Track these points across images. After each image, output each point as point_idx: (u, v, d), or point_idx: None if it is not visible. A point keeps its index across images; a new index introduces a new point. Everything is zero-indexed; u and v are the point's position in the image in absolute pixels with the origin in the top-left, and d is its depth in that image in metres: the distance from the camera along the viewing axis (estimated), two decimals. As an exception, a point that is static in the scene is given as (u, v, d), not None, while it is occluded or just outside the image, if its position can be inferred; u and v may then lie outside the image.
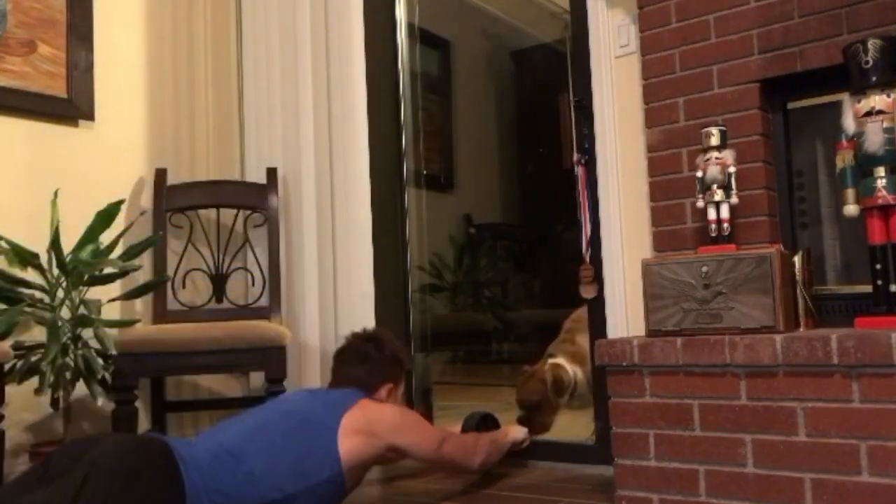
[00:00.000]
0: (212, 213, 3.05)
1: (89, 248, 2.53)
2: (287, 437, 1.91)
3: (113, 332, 2.41)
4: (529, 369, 2.84)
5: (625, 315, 2.38)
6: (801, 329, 1.89)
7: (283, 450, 1.88)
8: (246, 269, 3.03)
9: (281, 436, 1.91)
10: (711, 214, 1.99)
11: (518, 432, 2.52)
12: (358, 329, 2.41)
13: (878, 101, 1.78)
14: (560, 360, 2.83)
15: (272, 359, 2.51)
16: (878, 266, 1.80)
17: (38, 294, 2.46)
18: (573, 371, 2.82)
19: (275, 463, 1.85)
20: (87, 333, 2.40)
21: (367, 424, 2.01)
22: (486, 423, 2.57)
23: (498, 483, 2.38)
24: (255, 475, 1.81)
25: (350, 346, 2.28)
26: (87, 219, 2.56)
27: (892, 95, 1.77)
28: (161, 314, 2.81)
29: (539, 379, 2.78)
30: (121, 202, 2.64)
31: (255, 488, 1.80)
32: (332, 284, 2.98)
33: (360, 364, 2.21)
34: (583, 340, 2.78)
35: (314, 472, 1.89)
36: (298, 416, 2.00)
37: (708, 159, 2.00)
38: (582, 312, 2.74)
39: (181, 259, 2.93)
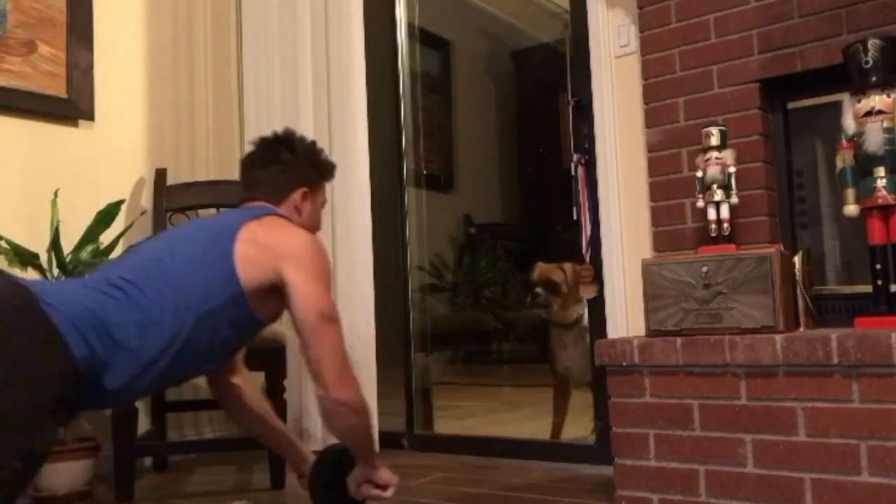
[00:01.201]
0: (212, 213, 3.04)
1: (89, 248, 2.53)
2: (181, 259, 1.71)
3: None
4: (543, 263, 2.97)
5: (625, 315, 2.38)
6: (801, 329, 1.89)
7: (179, 273, 1.68)
8: (246, 269, 3.03)
9: (174, 259, 1.71)
10: (711, 214, 1.99)
11: (389, 474, 1.92)
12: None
13: (878, 101, 1.78)
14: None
15: (272, 359, 2.51)
16: (878, 266, 1.80)
17: (38, 294, 2.46)
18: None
19: (174, 286, 1.66)
20: (87, 333, 2.40)
21: (267, 238, 1.77)
22: (343, 455, 1.95)
23: (498, 483, 2.38)
24: (146, 308, 1.63)
25: (258, 149, 2.03)
26: (87, 219, 2.56)
27: (892, 95, 1.77)
28: (161, 314, 2.81)
29: (559, 267, 2.88)
30: (121, 202, 2.64)
31: (147, 323, 1.62)
32: (332, 284, 2.98)
33: (269, 164, 1.97)
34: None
35: (216, 291, 1.69)
36: (197, 234, 1.82)
37: (708, 159, 2.00)
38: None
39: (181, 259, 2.93)
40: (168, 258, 1.72)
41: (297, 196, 1.94)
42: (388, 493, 1.91)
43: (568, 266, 2.89)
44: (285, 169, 1.95)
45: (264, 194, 1.94)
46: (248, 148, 2.07)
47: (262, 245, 1.75)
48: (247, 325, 1.78)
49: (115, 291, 1.64)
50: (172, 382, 2.02)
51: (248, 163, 2.03)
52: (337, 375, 1.74)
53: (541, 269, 2.97)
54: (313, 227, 1.99)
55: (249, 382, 2.12)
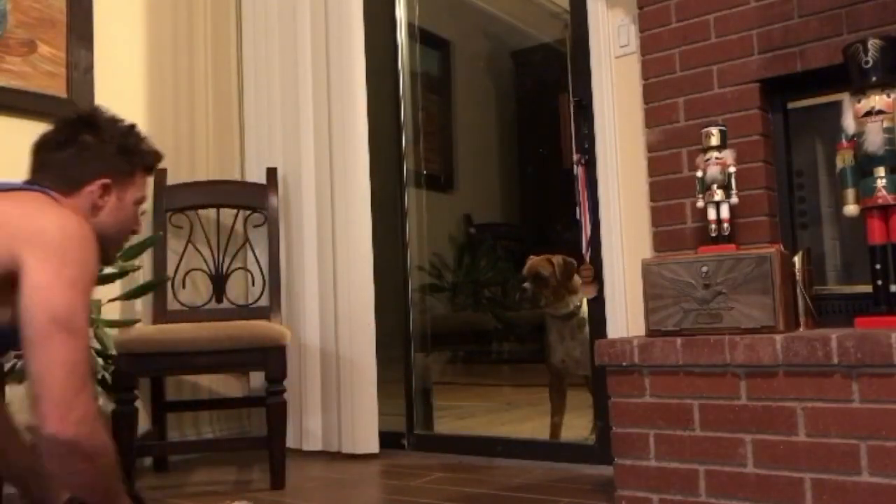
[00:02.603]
0: (212, 213, 3.05)
1: (89, 248, 2.53)
2: None
3: (113, 332, 2.41)
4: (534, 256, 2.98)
5: (625, 315, 2.38)
6: (801, 329, 1.89)
7: None
8: (246, 269, 3.03)
9: None
10: (711, 214, 1.99)
11: None
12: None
13: (878, 101, 1.78)
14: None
15: (272, 359, 2.51)
16: (878, 266, 1.80)
17: (38, 294, 2.45)
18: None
19: None
20: (87, 333, 2.40)
21: (11, 208, 1.40)
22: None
23: (498, 483, 2.38)
24: None
25: (56, 127, 1.65)
26: (87, 219, 2.56)
27: (892, 95, 1.77)
28: (161, 314, 2.81)
29: (547, 259, 2.88)
30: (121, 202, 2.63)
31: None
32: (332, 284, 2.98)
33: (65, 147, 1.58)
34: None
35: None
36: None
37: (708, 159, 2.00)
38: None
39: (181, 259, 2.93)
40: None
41: (94, 188, 1.56)
42: None
43: (557, 258, 2.90)
44: (82, 154, 1.57)
45: (52, 182, 1.55)
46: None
47: (2, 219, 1.37)
48: None
49: None
50: None
51: (40, 144, 1.63)
52: (58, 403, 1.30)
53: (530, 262, 2.98)
54: (120, 229, 1.64)
55: None
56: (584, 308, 2.73)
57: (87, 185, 1.57)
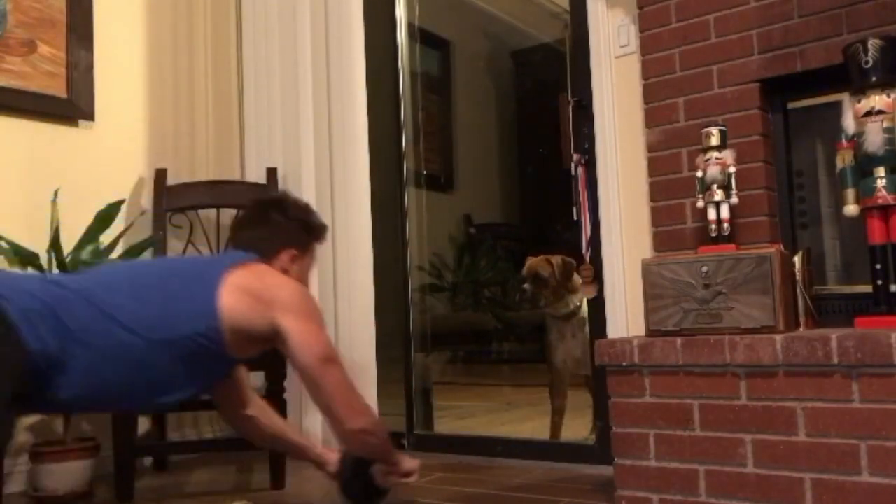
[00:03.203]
0: (212, 213, 3.05)
1: (89, 248, 2.53)
2: (161, 280, 1.73)
3: None
4: (533, 257, 2.97)
5: (625, 315, 2.38)
6: (801, 329, 1.89)
7: (155, 290, 1.69)
8: (246, 269, 3.03)
9: (155, 279, 1.73)
10: (711, 214, 1.99)
11: (410, 462, 2.08)
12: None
13: (878, 101, 1.78)
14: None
15: (272, 359, 2.50)
16: (878, 266, 1.80)
17: (38, 294, 2.46)
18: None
19: (141, 301, 1.65)
20: (87, 333, 2.40)
21: (258, 287, 1.77)
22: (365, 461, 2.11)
23: (498, 483, 2.38)
24: (114, 308, 1.61)
25: (250, 210, 2.05)
26: (87, 219, 2.56)
27: (892, 95, 1.77)
28: (161, 314, 2.81)
29: (546, 260, 2.89)
30: (121, 202, 2.64)
31: (110, 321, 1.60)
32: (332, 284, 2.98)
33: (259, 226, 1.97)
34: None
35: (185, 323, 1.69)
36: (175, 265, 1.85)
37: (708, 159, 2.00)
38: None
39: (181, 259, 2.93)
40: (151, 278, 1.73)
41: (285, 258, 1.96)
42: (413, 478, 2.06)
43: (556, 258, 2.90)
44: (275, 231, 1.97)
45: (255, 252, 1.92)
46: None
47: (255, 296, 1.77)
48: (216, 360, 1.76)
49: (70, 293, 1.61)
50: (133, 404, 1.98)
51: (239, 223, 2.05)
52: (349, 409, 1.83)
53: (529, 263, 2.98)
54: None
55: (262, 409, 2.18)
56: (585, 307, 2.73)
57: (280, 255, 1.95)
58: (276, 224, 1.98)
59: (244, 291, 1.75)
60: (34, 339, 1.52)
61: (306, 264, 2.03)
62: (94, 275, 1.74)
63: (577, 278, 2.82)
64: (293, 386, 2.91)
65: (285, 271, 1.95)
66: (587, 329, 2.68)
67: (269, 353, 2.50)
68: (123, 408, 1.99)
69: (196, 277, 1.76)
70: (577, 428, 2.89)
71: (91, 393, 1.63)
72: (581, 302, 2.82)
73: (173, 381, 1.75)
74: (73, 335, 1.57)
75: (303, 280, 2.01)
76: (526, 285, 2.92)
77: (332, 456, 2.13)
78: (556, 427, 2.89)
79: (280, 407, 2.48)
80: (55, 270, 2.45)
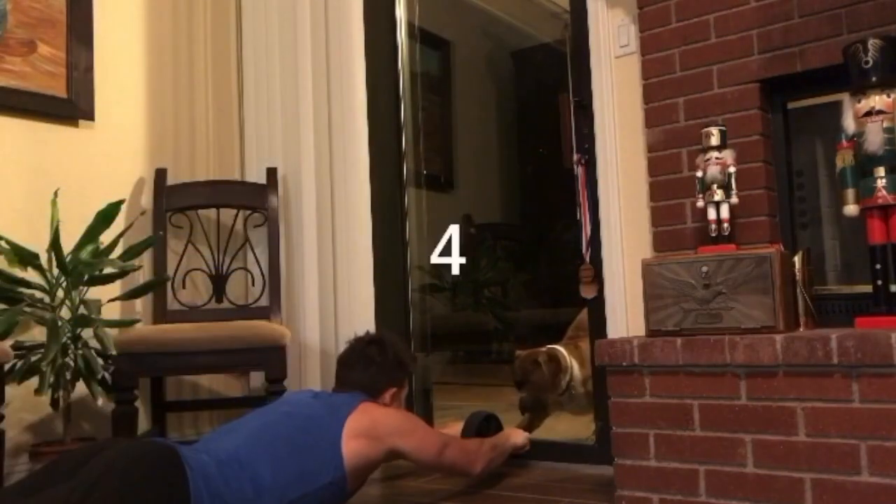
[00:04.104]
0: (212, 213, 3.05)
1: (89, 248, 2.53)
2: (290, 442, 1.91)
3: (113, 332, 2.40)
4: (523, 353, 2.89)
5: (625, 315, 2.38)
6: (801, 329, 1.89)
7: (288, 456, 1.88)
8: (246, 269, 3.03)
9: (284, 441, 1.91)
10: (711, 214, 1.99)
11: (519, 437, 2.51)
12: (359, 331, 2.40)
13: (878, 101, 1.78)
14: (557, 347, 2.87)
15: (272, 359, 2.51)
16: (878, 266, 1.80)
17: (38, 294, 2.46)
18: (570, 360, 2.84)
19: (279, 470, 1.85)
20: (87, 333, 2.40)
21: (371, 428, 2.01)
22: (488, 423, 2.55)
23: (498, 483, 2.38)
24: (260, 484, 1.81)
25: (353, 350, 2.27)
26: (87, 219, 2.56)
27: (892, 95, 1.77)
28: (161, 314, 2.81)
29: (532, 360, 2.82)
30: (121, 202, 2.64)
31: (260, 497, 1.80)
32: (332, 284, 2.98)
33: (364, 369, 2.20)
34: (585, 345, 2.79)
35: (317, 476, 1.89)
36: (301, 418, 1.99)
37: (708, 159, 2.00)
38: (584, 317, 2.75)
39: (181, 259, 2.93)
40: (283, 446, 1.90)
41: (387, 397, 2.20)
42: (527, 447, 2.53)
43: (542, 356, 2.82)
44: (378, 371, 2.20)
45: (357, 391, 2.16)
46: (343, 346, 2.34)
47: (371, 437, 2.01)
48: (338, 498, 1.98)
49: (233, 472, 1.81)
50: None
51: (344, 363, 2.27)
52: (468, 465, 2.21)
53: (519, 366, 2.89)
54: None
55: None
56: (576, 374, 2.81)
57: (384, 393, 2.19)
58: (378, 365, 2.21)
59: (360, 435, 1.99)
60: None
61: (401, 398, 2.29)
62: (237, 447, 1.87)
63: (563, 363, 2.82)
64: (293, 386, 2.92)
65: (386, 405, 2.19)
66: (581, 390, 2.81)
67: (269, 352, 2.52)
68: None
69: (321, 430, 1.97)
70: (578, 428, 2.89)
71: None
72: (570, 377, 2.83)
73: None
74: None
75: (400, 407, 2.29)
76: (523, 395, 2.89)
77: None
78: (531, 424, 2.89)
79: (280, 407, 2.48)
80: (55, 271, 2.46)
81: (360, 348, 2.26)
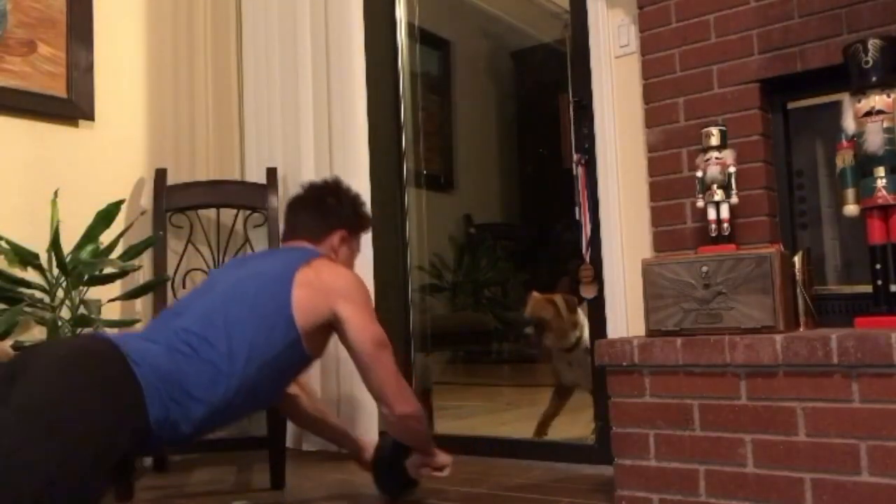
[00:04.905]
0: (212, 213, 3.05)
1: (89, 248, 2.53)
2: (240, 315, 1.83)
3: (113, 332, 2.40)
4: (539, 294, 2.98)
5: (625, 315, 2.38)
6: (801, 329, 1.89)
7: (240, 330, 1.81)
8: (246, 269, 3.03)
9: (238, 310, 1.84)
10: (711, 214, 1.99)
11: (444, 455, 2.19)
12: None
13: (878, 101, 1.78)
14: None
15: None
16: (878, 266, 1.80)
17: (38, 294, 2.46)
18: (584, 318, 2.85)
19: (235, 343, 1.79)
20: (87, 333, 2.41)
21: (316, 279, 1.92)
22: (400, 445, 2.16)
23: (498, 483, 2.38)
24: (217, 363, 1.75)
25: (305, 193, 2.20)
26: (87, 219, 2.56)
27: (892, 95, 1.77)
28: (161, 314, 2.81)
29: (548, 299, 2.93)
30: (121, 202, 2.64)
31: (218, 376, 1.75)
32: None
33: (314, 209, 2.13)
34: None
35: (272, 344, 1.84)
36: (255, 282, 1.92)
37: (708, 159, 2.00)
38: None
39: (181, 259, 2.93)
40: (233, 309, 1.84)
41: (335, 238, 2.11)
42: (445, 472, 2.18)
43: (559, 298, 2.93)
44: (329, 213, 2.12)
45: (307, 233, 2.11)
46: (297, 190, 2.24)
47: (315, 288, 1.90)
48: (300, 362, 1.95)
49: (187, 349, 1.77)
50: (235, 420, 2.10)
51: (295, 205, 2.18)
52: (398, 394, 1.97)
53: (532, 305, 2.99)
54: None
55: (305, 389, 2.33)
56: (586, 336, 2.81)
57: (331, 235, 2.11)
58: (329, 207, 2.12)
59: (306, 284, 1.89)
60: (158, 409, 1.67)
61: (353, 248, 2.18)
62: (192, 320, 1.83)
63: (578, 314, 2.90)
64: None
65: (334, 251, 2.10)
66: (588, 356, 2.75)
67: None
68: (231, 423, 2.08)
69: (273, 295, 1.88)
70: (578, 428, 2.89)
71: (204, 428, 1.81)
72: (581, 333, 2.89)
73: (272, 391, 1.97)
74: (191, 393, 1.73)
75: (347, 264, 2.14)
76: (528, 330, 2.96)
77: (369, 445, 2.28)
78: (543, 426, 2.92)
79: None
80: (55, 271, 2.46)
81: (314, 193, 2.18)
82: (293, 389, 2.24)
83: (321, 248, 2.10)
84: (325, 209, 2.14)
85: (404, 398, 1.99)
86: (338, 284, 1.94)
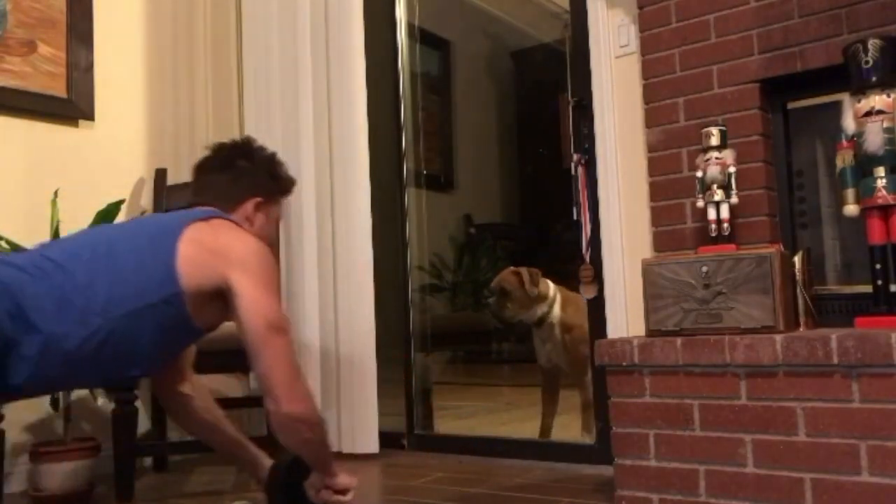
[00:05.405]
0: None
1: (89, 248, 2.53)
2: (118, 248, 1.62)
3: None
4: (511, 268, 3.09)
5: (625, 315, 2.38)
6: (801, 329, 1.89)
7: (113, 262, 1.59)
8: (246, 269, 3.03)
9: (110, 248, 1.62)
10: (711, 214, 1.99)
11: (347, 476, 1.90)
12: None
13: (878, 101, 1.78)
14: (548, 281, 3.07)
15: (272, 359, 2.50)
16: (878, 266, 1.80)
17: (38, 294, 2.46)
18: (555, 293, 3.01)
19: (98, 279, 1.56)
20: (87, 333, 2.40)
21: (212, 239, 1.67)
22: (298, 464, 1.91)
23: (498, 483, 2.38)
24: (68, 291, 1.52)
25: (213, 154, 1.93)
26: (87, 219, 2.56)
27: (892, 95, 1.77)
28: (161, 314, 2.81)
29: (512, 271, 3.04)
30: (121, 202, 2.64)
31: (68, 307, 1.52)
32: (332, 284, 2.98)
33: (222, 171, 1.87)
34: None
35: (146, 291, 1.59)
36: (138, 227, 1.73)
37: (708, 159, 2.00)
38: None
39: (181, 259, 2.93)
40: (104, 248, 1.62)
41: (249, 206, 1.86)
42: (348, 497, 1.86)
43: (523, 270, 3.02)
44: (240, 177, 1.87)
45: (216, 200, 1.84)
46: (204, 153, 1.97)
47: (209, 248, 1.66)
48: (181, 331, 1.68)
49: (36, 270, 1.54)
50: (89, 383, 1.90)
51: (201, 167, 1.92)
52: (288, 388, 1.66)
53: (498, 276, 3.10)
54: (264, 241, 1.85)
55: (200, 390, 2.04)
56: (555, 312, 2.96)
57: (244, 203, 1.86)
58: (241, 169, 1.87)
59: (198, 244, 1.64)
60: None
61: (272, 216, 1.92)
62: (56, 250, 1.61)
63: (543, 287, 3.00)
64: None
65: (249, 220, 1.86)
66: (558, 333, 2.94)
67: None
68: (84, 386, 1.88)
69: (155, 241, 1.64)
70: (575, 428, 2.89)
71: (48, 373, 1.53)
72: (549, 308, 2.99)
73: (137, 355, 1.64)
74: (29, 314, 1.49)
75: (267, 235, 1.90)
76: (490, 299, 3.07)
77: (268, 462, 2.01)
78: (546, 429, 2.94)
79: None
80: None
81: (223, 155, 1.92)
82: (185, 388, 1.98)
83: (234, 217, 1.84)
84: (236, 173, 1.87)
85: (295, 395, 1.68)
86: (236, 250, 1.67)
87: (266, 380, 1.66)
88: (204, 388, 2.06)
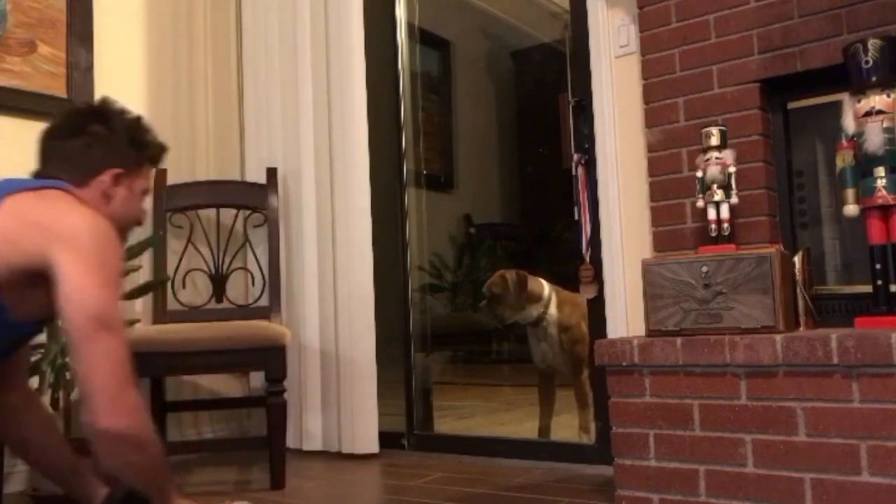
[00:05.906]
0: (212, 213, 3.05)
1: (89, 248, 2.53)
2: None
3: (113, 332, 2.40)
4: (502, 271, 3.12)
5: (625, 315, 2.38)
6: (801, 329, 1.89)
7: None
8: (246, 269, 3.03)
9: None
10: (711, 214, 1.99)
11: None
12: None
13: (878, 101, 1.78)
14: (540, 279, 3.10)
15: (272, 359, 2.51)
16: (878, 266, 1.80)
17: (37, 294, 2.45)
18: (549, 293, 3.03)
19: None
20: (87, 333, 2.40)
21: (37, 211, 1.41)
22: (133, 497, 1.58)
23: (498, 483, 2.38)
24: None
25: (63, 120, 1.65)
26: (87, 219, 2.56)
27: (892, 95, 1.77)
28: (161, 314, 2.81)
29: (501, 275, 3.07)
30: (121, 202, 2.63)
31: None
32: (332, 284, 2.98)
33: (73, 137, 1.58)
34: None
35: None
36: None
37: (708, 159, 2.00)
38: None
39: (181, 259, 2.93)
40: None
41: (106, 178, 1.57)
42: None
43: (511, 273, 3.06)
44: (94, 144, 1.58)
45: (65, 172, 1.56)
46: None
47: (29, 221, 1.40)
48: None
49: None
50: None
51: (48, 133, 1.61)
52: (108, 398, 1.37)
53: (489, 280, 3.14)
54: (128, 219, 1.65)
55: (32, 403, 1.76)
56: (552, 312, 2.98)
57: (100, 175, 1.58)
58: (95, 135, 1.58)
59: (17, 217, 1.39)
60: None
61: (136, 189, 1.64)
62: None
63: (535, 288, 3.03)
64: (293, 386, 2.92)
65: (106, 195, 1.58)
66: (554, 332, 2.96)
67: (269, 352, 2.51)
68: None
69: None
70: (575, 428, 2.89)
71: None
72: (545, 308, 3.01)
73: None
74: None
75: (130, 208, 1.64)
76: (482, 303, 3.11)
77: (102, 491, 1.72)
78: (544, 429, 2.95)
79: (280, 408, 2.48)
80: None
81: (75, 121, 1.63)
82: (12, 399, 1.69)
83: (87, 192, 1.56)
84: (88, 139, 1.58)
85: (117, 406, 1.37)
86: (63, 224, 1.40)
87: (83, 384, 1.38)
88: (38, 403, 1.78)
